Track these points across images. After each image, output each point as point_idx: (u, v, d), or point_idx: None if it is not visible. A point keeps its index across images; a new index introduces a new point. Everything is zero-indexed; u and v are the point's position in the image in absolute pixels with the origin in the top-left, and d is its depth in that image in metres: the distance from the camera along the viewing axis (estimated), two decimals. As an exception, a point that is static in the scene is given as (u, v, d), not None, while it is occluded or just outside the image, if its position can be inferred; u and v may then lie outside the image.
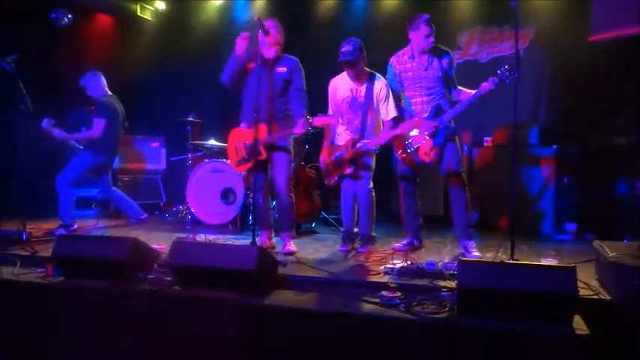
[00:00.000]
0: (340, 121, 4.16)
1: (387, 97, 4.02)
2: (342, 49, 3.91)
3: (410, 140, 3.94)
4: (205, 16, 7.33)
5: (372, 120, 4.08)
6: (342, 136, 4.15)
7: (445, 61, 3.96)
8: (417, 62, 3.99)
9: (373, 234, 4.18)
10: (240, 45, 4.01)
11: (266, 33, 3.90)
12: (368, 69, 4.08)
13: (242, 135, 4.19)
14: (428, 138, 3.88)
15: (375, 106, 4.06)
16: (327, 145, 4.23)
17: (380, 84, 4.04)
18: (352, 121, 4.10)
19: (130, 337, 3.04)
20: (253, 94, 3.90)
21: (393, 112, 4.02)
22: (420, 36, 3.92)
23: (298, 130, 3.88)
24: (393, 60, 4.13)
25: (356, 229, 4.25)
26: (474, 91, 3.79)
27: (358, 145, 4.01)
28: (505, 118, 4.41)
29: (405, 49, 4.08)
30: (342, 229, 4.31)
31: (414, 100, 4.04)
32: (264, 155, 3.99)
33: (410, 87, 4.04)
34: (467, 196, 3.94)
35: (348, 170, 4.04)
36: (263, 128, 3.95)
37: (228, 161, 4.60)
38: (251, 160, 4.10)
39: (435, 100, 3.96)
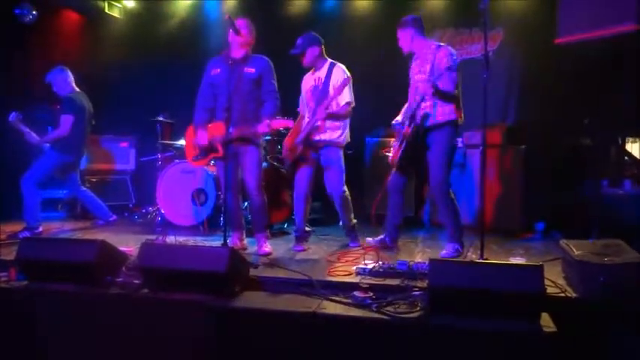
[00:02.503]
0: (306, 114, 4.32)
1: (343, 84, 4.04)
2: (294, 47, 4.20)
3: (391, 143, 4.06)
4: (175, 14, 7.22)
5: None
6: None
7: (439, 65, 3.75)
8: (414, 65, 4.00)
9: (354, 221, 4.39)
10: (202, 137, 4.07)
11: (237, 32, 3.87)
12: (329, 59, 4.24)
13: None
14: (398, 145, 3.96)
15: (330, 93, 4.12)
16: (290, 136, 4.38)
17: (337, 71, 4.17)
18: (312, 109, 4.21)
19: (97, 341, 2.97)
20: (223, 95, 3.93)
21: (345, 99, 4.12)
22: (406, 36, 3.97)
23: (261, 129, 3.87)
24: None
25: (307, 228, 4.38)
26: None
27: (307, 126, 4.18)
28: (475, 118, 4.47)
29: None
30: (294, 229, 4.39)
31: (407, 104, 4.07)
32: (220, 152, 3.97)
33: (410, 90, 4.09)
34: (446, 206, 3.85)
35: (299, 149, 4.19)
36: (220, 125, 3.94)
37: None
38: (207, 156, 4.11)
39: (414, 105, 3.88)
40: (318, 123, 4.07)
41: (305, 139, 4.16)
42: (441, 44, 3.92)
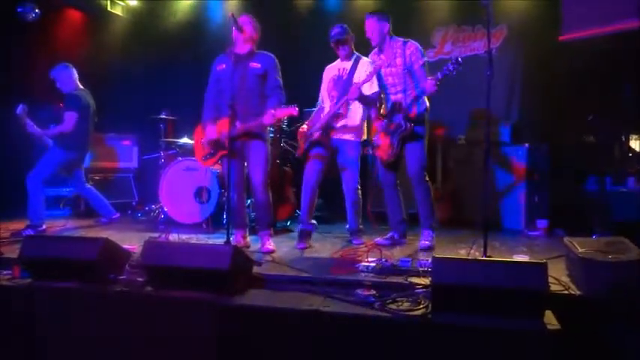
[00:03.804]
0: (328, 103, 4.33)
1: (370, 75, 4.02)
2: (333, 32, 4.18)
3: (376, 136, 4.10)
4: (178, 11, 7.22)
5: None
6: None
7: (409, 55, 3.95)
8: (377, 58, 4.10)
9: (360, 227, 4.37)
10: (211, 132, 4.07)
11: (240, 30, 3.87)
12: (356, 52, 4.28)
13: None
14: (385, 136, 4.01)
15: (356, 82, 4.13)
16: (308, 124, 4.39)
17: (364, 63, 4.19)
18: (335, 97, 4.23)
19: (101, 339, 2.97)
20: (227, 91, 3.91)
21: (373, 89, 4.14)
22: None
23: (267, 119, 3.84)
24: (371, 56, 4.22)
25: (314, 221, 4.42)
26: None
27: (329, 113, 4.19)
28: (478, 116, 4.47)
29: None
30: (299, 226, 4.39)
31: (385, 97, 4.15)
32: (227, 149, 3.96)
33: (384, 83, 4.13)
34: (425, 189, 4.02)
35: (316, 135, 4.20)
36: (225, 122, 3.92)
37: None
38: (216, 154, 4.10)
39: (396, 96, 4.02)
40: (350, 101, 4.09)
41: (326, 125, 4.17)
42: (407, 39, 4.03)
